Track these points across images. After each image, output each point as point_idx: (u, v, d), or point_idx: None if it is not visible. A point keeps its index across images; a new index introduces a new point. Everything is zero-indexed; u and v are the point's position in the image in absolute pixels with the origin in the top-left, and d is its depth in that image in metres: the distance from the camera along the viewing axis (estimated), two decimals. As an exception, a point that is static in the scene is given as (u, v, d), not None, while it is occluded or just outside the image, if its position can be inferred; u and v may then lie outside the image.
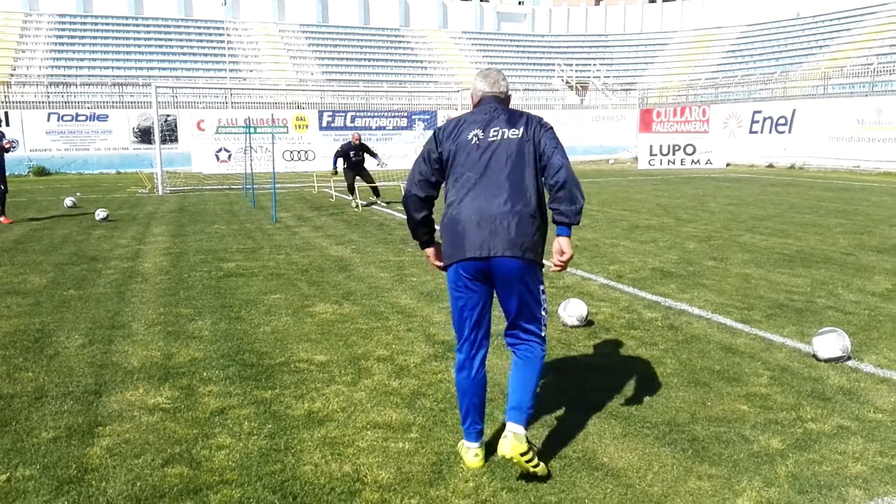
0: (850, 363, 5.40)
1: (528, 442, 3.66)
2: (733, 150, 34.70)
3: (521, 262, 3.61)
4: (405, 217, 3.98)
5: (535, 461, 3.61)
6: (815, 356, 5.49)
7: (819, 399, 4.73)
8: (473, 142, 3.73)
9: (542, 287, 3.78)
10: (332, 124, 32.94)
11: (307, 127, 32.56)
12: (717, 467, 3.80)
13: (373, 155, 17.45)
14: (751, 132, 35.55)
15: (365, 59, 46.88)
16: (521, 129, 3.72)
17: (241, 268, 9.22)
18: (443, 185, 3.87)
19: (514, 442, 3.58)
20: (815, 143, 31.71)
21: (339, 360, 5.56)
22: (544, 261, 3.75)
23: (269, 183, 18.01)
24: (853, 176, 27.00)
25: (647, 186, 22.33)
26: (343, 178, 17.41)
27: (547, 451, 3.97)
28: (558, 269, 3.74)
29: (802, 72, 38.84)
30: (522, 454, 3.56)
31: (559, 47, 54.08)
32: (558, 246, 3.70)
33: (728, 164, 33.47)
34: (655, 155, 33.29)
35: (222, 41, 42.73)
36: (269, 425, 4.32)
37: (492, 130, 3.74)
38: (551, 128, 3.80)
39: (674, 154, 33.17)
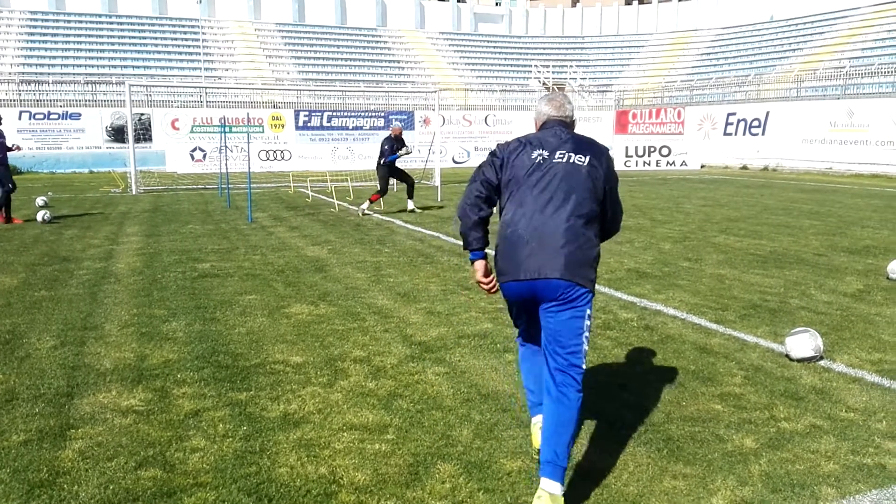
0: (822, 363, 5.45)
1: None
2: (708, 151, 35.00)
3: (570, 283, 3.44)
4: (458, 228, 3.78)
5: None
6: (787, 356, 5.54)
7: (792, 398, 4.77)
8: (538, 161, 3.60)
9: (588, 314, 3.53)
10: (309, 124, 32.83)
11: (283, 126, 32.42)
12: (692, 467, 3.82)
13: (404, 152, 15.73)
14: (725, 134, 35.87)
15: (342, 59, 46.76)
16: (588, 157, 3.61)
17: (216, 268, 9.16)
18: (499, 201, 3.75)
19: None
20: (789, 145, 32.06)
21: (315, 361, 5.53)
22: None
23: (244, 183, 17.92)
24: (825, 178, 27.33)
25: (622, 187, 22.23)
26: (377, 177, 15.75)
27: (523, 451, 3.97)
28: None
29: (776, 74, 39.25)
30: None
31: (536, 48, 54.26)
32: None
33: (703, 166, 33.75)
34: (631, 156, 33.52)
35: (197, 40, 42.43)
36: (244, 427, 4.28)
37: (557, 153, 3.62)
38: (616, 174, 3.75)
39: (649, 155, 33.42)
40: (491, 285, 3.74)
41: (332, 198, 18.05)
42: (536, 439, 3.73)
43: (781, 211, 15.67)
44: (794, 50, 42.61)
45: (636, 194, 19.93)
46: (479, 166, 3.77)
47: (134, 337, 6.12)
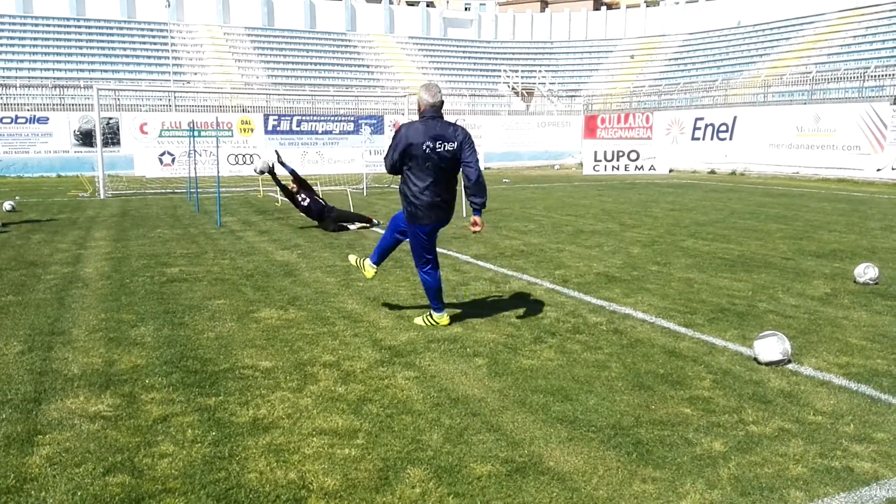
0: (790, 366, 5.52)
1: None
2: (676, 156, 35.31)
3: (447, 223, 6.40)
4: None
5: None
6: (756, 359, 5.60)
7: (760, 402, 4.82)
8: (427, 151, 5.92)
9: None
10: (278, 128, 32.65)
11: (252, 131, 32.22)
12: (661, 470, 3.85)
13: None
14: (693, 139, 36.21)
15: (311, 63, 46.60)
16: (455, 144, 5.99)
17: (184, 273, 9.07)
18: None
19: None
20: (756, 149, 32.44)
21: (284, 366, 5.50)
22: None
23: (213, 187, 17.75)
24: (792, 182, 27.67)
25: (591, 192, 22.59)
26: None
27: (493, 455, 3.98)
28: (477, 231, 6.33)
29: (743, 80, 39.73)
30: None
31: (505, 53, 54.46)
32: (474, 220, 6.33)
33: (671, 170, 34.04)
34: (600, 161, 33.72)
35: (166, 43, 42.08)
36: (213, 433, 4.25)
37: (437, 143, 5.91)
38: (471, 139, 6.12)
39: (618, 160, 33.63)
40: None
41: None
42: (367, 272, 6.95)
43: (749, 215, 15.85)
44: (761, 55, 43.19)
45: (605, 199, 20.06)
46: (394, 145, 6.03)
47: (102, 342, 6.05)
